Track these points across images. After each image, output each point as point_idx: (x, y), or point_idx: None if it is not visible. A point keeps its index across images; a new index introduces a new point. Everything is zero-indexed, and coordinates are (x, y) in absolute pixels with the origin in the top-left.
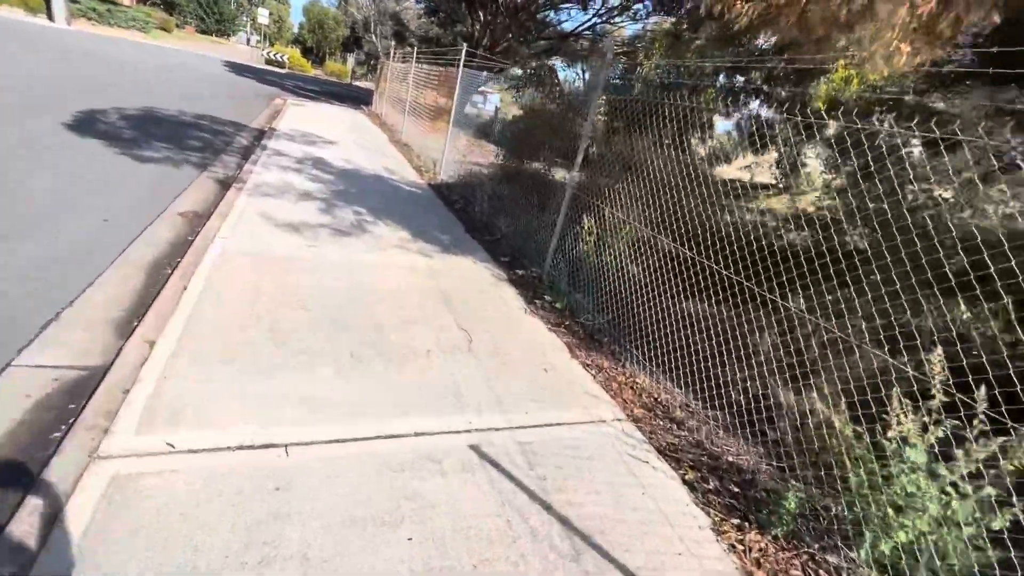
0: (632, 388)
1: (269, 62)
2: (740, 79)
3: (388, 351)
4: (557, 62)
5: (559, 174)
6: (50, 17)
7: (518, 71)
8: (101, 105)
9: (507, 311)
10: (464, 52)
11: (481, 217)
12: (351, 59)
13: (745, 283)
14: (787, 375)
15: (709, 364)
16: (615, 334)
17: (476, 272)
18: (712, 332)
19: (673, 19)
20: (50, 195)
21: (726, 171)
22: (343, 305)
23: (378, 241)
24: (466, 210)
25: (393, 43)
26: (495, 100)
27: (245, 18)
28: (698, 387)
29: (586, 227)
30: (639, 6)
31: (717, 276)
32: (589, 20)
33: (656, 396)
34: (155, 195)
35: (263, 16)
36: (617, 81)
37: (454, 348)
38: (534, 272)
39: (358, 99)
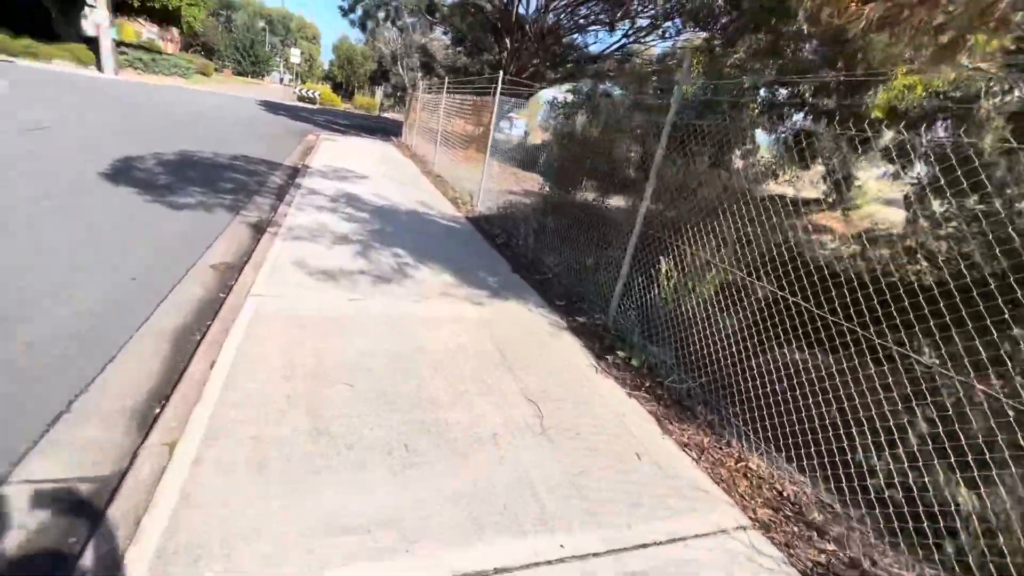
0: (746, 476)
1: (301, 99)
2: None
3: (448, 437)
4: (607, 84)
5: (615, 202)
6: (99, 68)
7: (559, 94)
8: (138, 151)
9: (575, 370)
10: (500, 79)
11: (527, 253)
12: (379, 92)
13: (876, 339)
14: (951, 459)
15: (842, 442)
16: (710, 400)
17: (532, 320)
18: (842, 400)
19: (705, 35)
20: (80, 249)
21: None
22: (390, 374)
23: (421, 287)
24: (509, 245)
25: (420, 74)
26: (521, 126)
27: (278, 59)
28: (830, 472)
29: (663, 269)
30: (668, 24)
31: (841, 328)
32: (618, 41)
33: (780, 488)
34: (187, 245)
35: (295, 56)
36: (703, 96)
37: (524, 428)
38: (597, 320)
39: (387, 131)
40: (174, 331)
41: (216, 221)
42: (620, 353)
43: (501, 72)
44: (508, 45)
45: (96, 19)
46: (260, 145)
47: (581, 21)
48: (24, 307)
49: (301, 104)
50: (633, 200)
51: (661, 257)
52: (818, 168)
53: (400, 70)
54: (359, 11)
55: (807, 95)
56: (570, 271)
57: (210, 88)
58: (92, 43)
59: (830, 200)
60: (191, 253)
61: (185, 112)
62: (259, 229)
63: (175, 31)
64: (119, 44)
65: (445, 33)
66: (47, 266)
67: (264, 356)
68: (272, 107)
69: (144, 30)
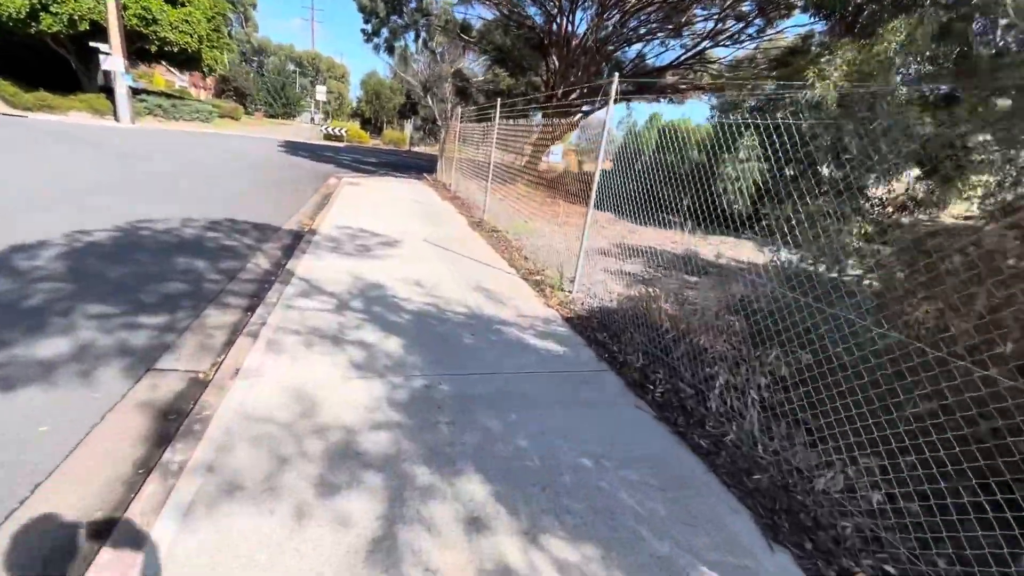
0: None
1: (328, 137)
2: None
3: None
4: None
5: None
6: (116, 118)
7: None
8: (61, 226)
9: None
10: (616, 83)
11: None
12: (408, 126)
13: None
14: None
15: None
16: None
17: None
18: None
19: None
20: None
21: None
22: None
23: None
24: (686, 409)
25: (450, 104)
26: (558, 151)
27: (309, 99)
28: None
29: None
30: (735, 24)
31: None
32: (695, 48)
33: None
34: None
35: (321, 93)
36: None
37: None
38: None
39: (419, 168)
40: None
41: (86, 407)
42: None
43: (616, 75)
44: (556, 64)
45: (109, 66)
46: (261, 199)
47: (642, 30)
48: None
49: (327, 143)
50: None
51: None
52: None
53: (430, 101)
54: (384, 33)
55: None
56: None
57: (233, 131)
58: (111, 93)
59: None
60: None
61: (182, 161)
62: (169, 416)
63: (209, 79)
64: (138, 92)
65: (483, 53)
66: None
67: None
68: (293, 148)
69: (176, 79)
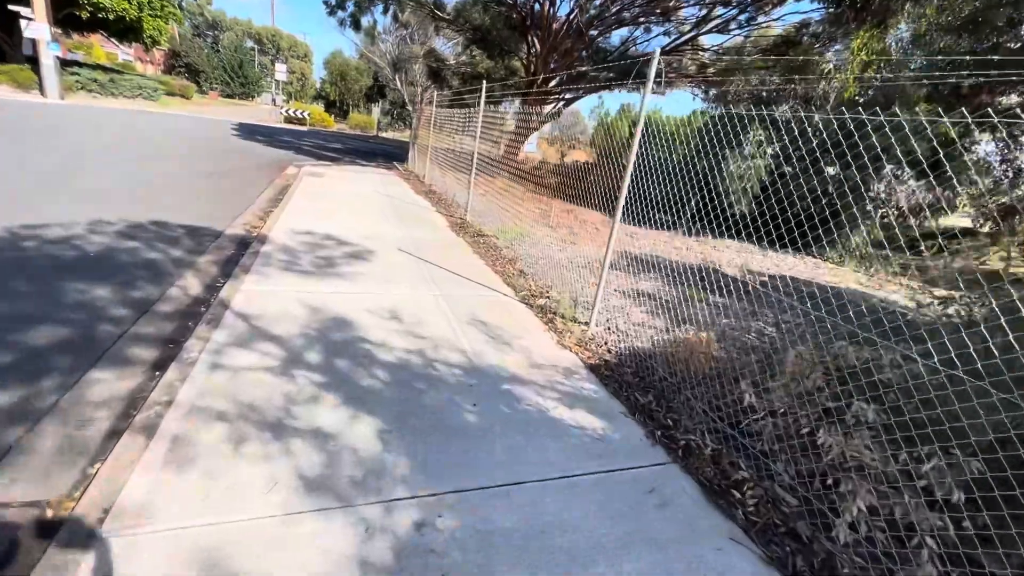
0: None
1: (289, 120)
2: None
3: None
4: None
5: None
6: (42, 92)
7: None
8: None
9: None
10: (657, 61)
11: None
12: (376, 110)
13: None
14: None
15: None
16: None
17: None
18: None
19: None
20: None
21: None
22: None
23: None
24: (799, 537)
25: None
26: (533, 141)
27: (269, 79)
28: None
29: None
30: (725, 10)
31: None
32: (683, 36)
33: None
34: None
35: (281, 72)
36: None
37: None
38: None
39: (388, 155)
40: None
41: None
42: None
43: (657, 50)
44: (537, 47)
45: (32, 33)
46: (201, 194)
47: (626, 14)
48: None
49: (288, 126)
50: None
51: None
52: None
53: (399, 84)
54: (350, 7)
55: None
56: None
57: (182, 111)
58: (38, 64)
59: None
60: None
61: (110, 144)
62: None
63: (157, 53)
64: (69, 64)
65: (459, 32)
66: None
67: None
68: (249, 131)
69: (120, 51)
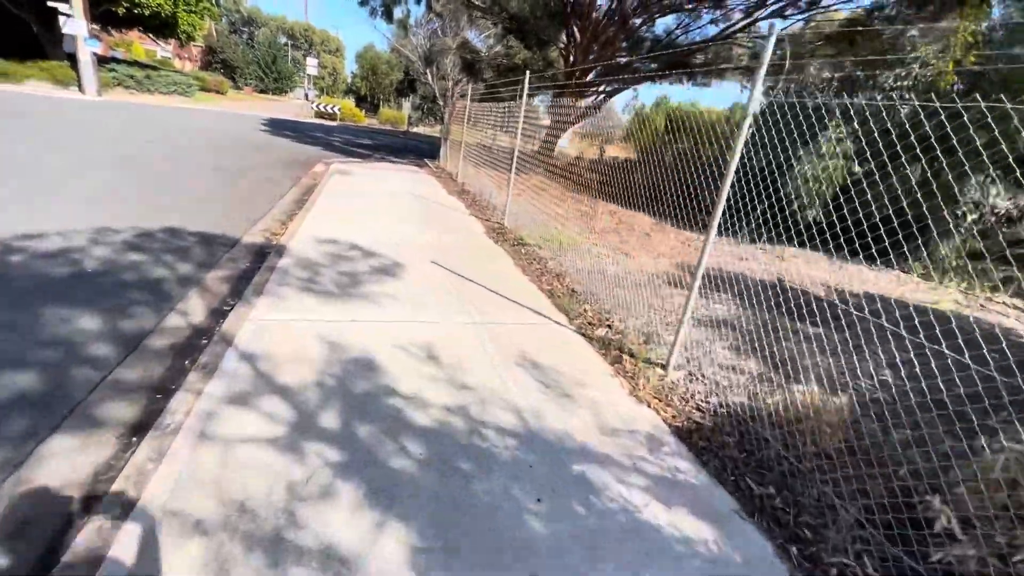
0: None
1: (319, 115)
2: None
3: None
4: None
5: None
6: (80, 88)
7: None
8: None
9: None
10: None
11: None
12: (406, 105)
13: None
14: None
15: None
16: None
17: None
18: None
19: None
20: None
21: None
22: None
23: None
24: None
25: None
26: (566, 137)
27: (302, 74)
28: None
29: None
30: None
31: None
32: (735, 24)
33: None
34: None
35: (312, 66)
36: None
37: None
38: None
39: (419, 151)
40: None
41: None
42: None
43: (776, 26)
44: (577, 36)
45: (70, 29)
46: (221, 195)
47: (668, 1)
48: None
49: (318, 121)
50: None
51: None
52: None
53: (429, 78)
54: None
55: None
56: None
57: (214, 107)
58: (75, 60)
59: None
60: None
61: (139, 140)
62: None
63: (195, 50)
64: (107, 61)
65: (496, 22)
66: None
67: None
68: (278, 126)
69: (159, 49)
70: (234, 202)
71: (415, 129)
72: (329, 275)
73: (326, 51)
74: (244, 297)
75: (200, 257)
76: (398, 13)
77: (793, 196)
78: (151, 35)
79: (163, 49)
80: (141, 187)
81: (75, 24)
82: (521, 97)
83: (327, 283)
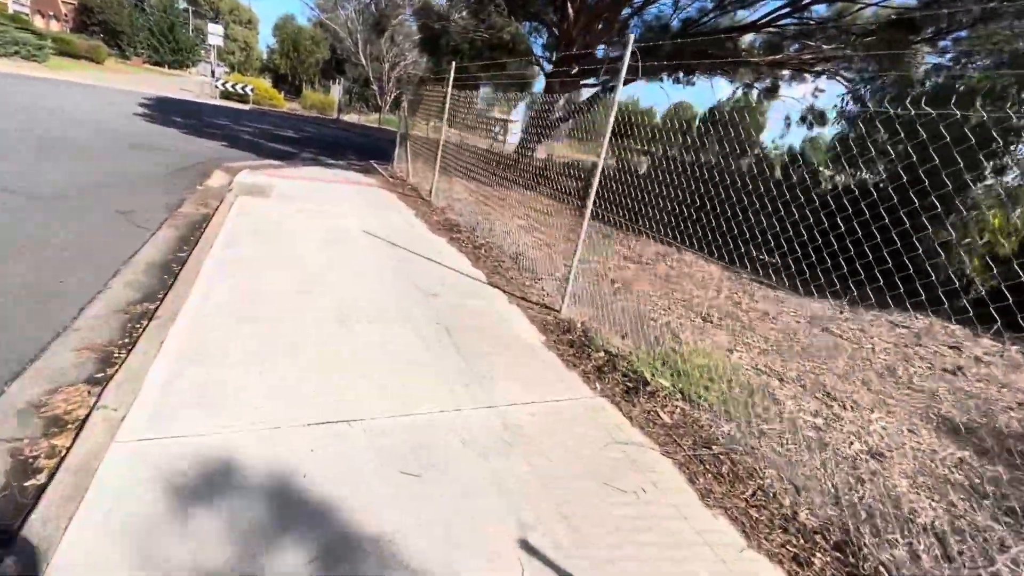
0: None
1: (227, 95)
2: None
3: None
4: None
5: None
6: None
7: None
8: None
9: None
10: None
11: None
12: (336, 88)
13: None
14: None
15: None
16: None
17: None
18: None
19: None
20: None
21: None
22: None
23: None
24: None
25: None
26: (517, 132)
27: (207, 46)
28: None
29: None
30: None
31: None
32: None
33: None
34: None
35: (215, 35)
36: None
37: None
38: None
39: (358, 147)
40: None
41: None
42: None
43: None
44: (570, 14)
45: None
46: (18, 254)
47: None
48: None
49: (225, 104)
50: None
51: None
52: None
53: (363, 59)
54: None
55: None
56: None
57: (84, 79)
58: None
59: None
60: None
61: None
62: None
63: (63, 8)
64: None
65: None
66: None
67: None
68: (167, 110)
69: (11, 1)
70: (44, 270)
71: (347, 117)
72: None
73: (236, 22)
74: None
75: None
76: None
77: (950, 248)
78: None
79: (19, 3)
80: None
81: None
82: (618, 79)
83: None
